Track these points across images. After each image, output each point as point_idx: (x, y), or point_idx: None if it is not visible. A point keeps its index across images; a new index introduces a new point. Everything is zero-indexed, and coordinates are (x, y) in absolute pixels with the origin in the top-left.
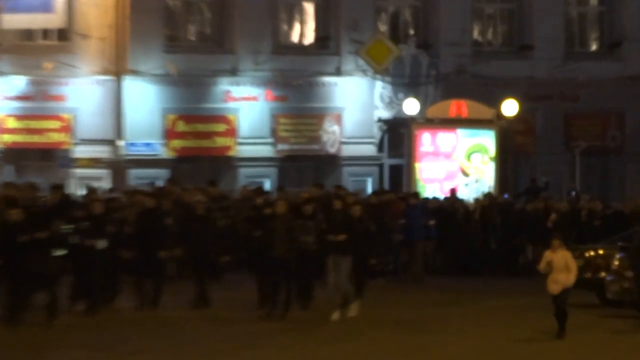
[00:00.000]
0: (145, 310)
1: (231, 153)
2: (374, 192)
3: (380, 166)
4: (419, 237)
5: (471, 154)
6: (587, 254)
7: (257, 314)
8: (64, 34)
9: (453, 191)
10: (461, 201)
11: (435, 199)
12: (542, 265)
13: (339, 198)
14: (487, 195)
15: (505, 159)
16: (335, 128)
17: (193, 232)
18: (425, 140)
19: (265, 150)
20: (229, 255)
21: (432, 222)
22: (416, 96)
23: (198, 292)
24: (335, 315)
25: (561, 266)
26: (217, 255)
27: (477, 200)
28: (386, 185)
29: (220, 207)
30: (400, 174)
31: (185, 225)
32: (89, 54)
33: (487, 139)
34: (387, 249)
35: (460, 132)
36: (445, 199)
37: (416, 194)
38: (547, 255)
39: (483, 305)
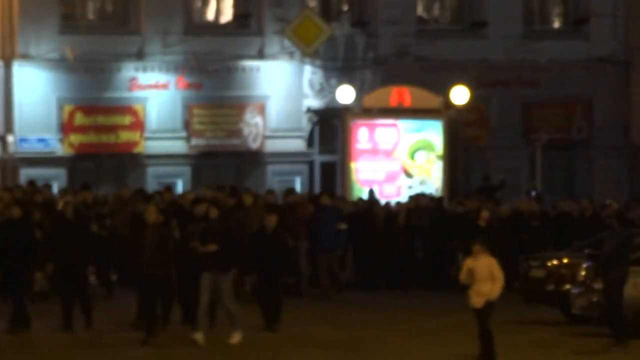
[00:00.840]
0: (15, 333)
1: (138, 149)
2: (287, 191)
3: (310, 164)
4: (329, 245)
5: (415, 151)
6: (549, 263)
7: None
8: None
9: (371, 192)
10: (387, 204)
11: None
12: (462, 275)
13: (215, 203)
14: (413, 197)
15: (455, 155)
16: (258, 120)
17: (63, 242)
18: (362, 136)
19: (177, 146)
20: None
21: (342, 227)
22: (351, 82)
23: (63, 311)
24: (199, 336)
25: (484, 275)
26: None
27: (398, 203)
28: (316, 186)
29: (96, 215)
30: (333, 172)
31: (56, 236)
32: None
33: (434, 134)
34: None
35: (403, 126)
36: (361, 200)
37: (329, 194)
38: (468, 262)
39: (404, 326)
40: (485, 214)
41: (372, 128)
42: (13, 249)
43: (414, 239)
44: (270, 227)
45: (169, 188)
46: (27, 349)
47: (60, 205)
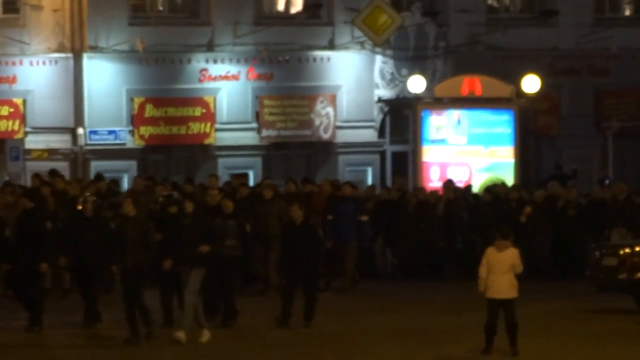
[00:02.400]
0: (31, 331)
1: (209, 141)
2: (302, 181)
3: (382, 153)
4: (350, 237)
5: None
6: (621, 252)
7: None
8: (11, 5)
9: (400, 182)
10: (421, 190)
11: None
12: (482, 269)
13: (190, 198)
14: (451, 188)
15: (526, 144)
16: (329, 110)
17: (79, 237)
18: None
19: (248, 137)
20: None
21: (364, 218)
22: (422, 72)
23: (86, 308)
24: (180, 335)
25: (507, 267)
26: (108, 263)
27: (432, 193)
28: (388, 176)
29: (110, 204)
30: (404, 162)
31: (71, 229)
32: (42, 28)
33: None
34: None
35: (475, 165)
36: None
37: (349, 183)
38: (489, 253)
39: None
40: (527, 209)
41: (443, 167)
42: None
43: (453, 229)
44: (298, 219)
45: (190, 179)
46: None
47: (80, 202)
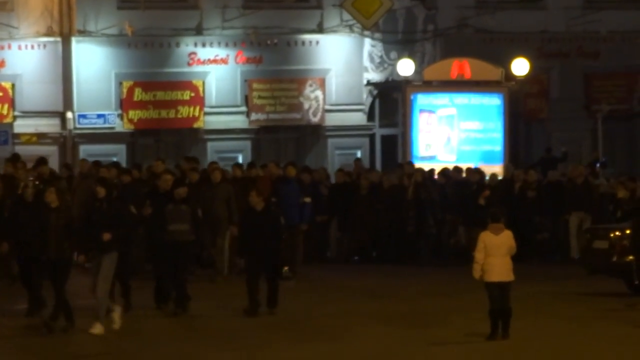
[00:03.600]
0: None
1: (198, 124)
2: (243, 165)
3: (371, 137)
4: (294, 221)
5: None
6: (612, 235)
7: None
8: None
9: (358, 161)
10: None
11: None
12: (478, 250)
13: (102, 182)
14: (420, 171)
15: (516, 127)
16: (318, 94)
17: (20, 222)
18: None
19: (238, 121)
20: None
21: (307, 200)
22: (411, 55)
23: (30, 296)
24: (98, 329)
25: (505, 250)
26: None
27: (388, 175)
28: (378, 159)
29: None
30: (394, 145)
31: (14, 214)
32: (30, 12)
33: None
34: None
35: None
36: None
37: (292, 164)
38: (485, 237)
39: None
40: (486, 193)
41: None
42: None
43: (424, 212)
44: (257, 205)
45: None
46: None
47: (21, 187)
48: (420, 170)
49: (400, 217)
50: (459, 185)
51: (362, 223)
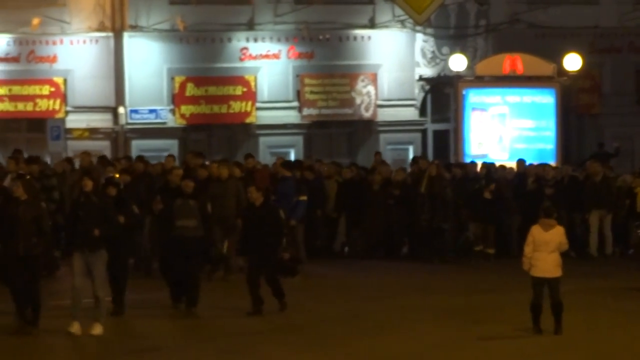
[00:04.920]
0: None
1: (250, 120)
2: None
3: (423, 132)
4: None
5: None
6: None
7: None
8: None
9: (378, 155)
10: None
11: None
12: (527, 248)
13: (89, 175)
14: (434, 163)
15: (568, 122)
16: (370, 89)
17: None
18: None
19: (289, 116)
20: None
21: (302, 198)
22: (463, 50)
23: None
24: (75, 328)
25: (555, 245)
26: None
27: (400, 168)
28: (430, 154)
29: (42, 188)
30: (446, 141)
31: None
32: (83, 7)
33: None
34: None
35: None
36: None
37: (287, 162)
38: (535, 232)
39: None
40: (492, 186)
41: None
42: None
43: (435, 207)
44: (257, 200)
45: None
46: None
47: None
48: (434, 163)
49: (413, 212)
50: (468, 180)
51: (374, 219)
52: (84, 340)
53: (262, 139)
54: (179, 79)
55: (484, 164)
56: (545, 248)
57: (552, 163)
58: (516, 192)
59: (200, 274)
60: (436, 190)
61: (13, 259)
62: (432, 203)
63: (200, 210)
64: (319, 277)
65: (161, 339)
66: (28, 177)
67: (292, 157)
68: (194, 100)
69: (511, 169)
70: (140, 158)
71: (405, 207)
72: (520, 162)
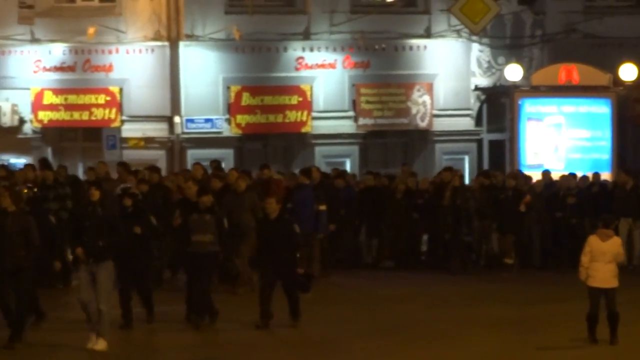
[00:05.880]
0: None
1: (305, 129)
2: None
3: (479, 142)
4: (308, 229)
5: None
6: None
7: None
8: None
9: (406, 166)
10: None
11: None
12: (584, 257)
13: (96, 185)
14: (458, 174)
15: (624, 132)
16: (426, 98)
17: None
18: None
19: (345, 126)
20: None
21: (322, 208)
22: (519, 60)
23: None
24: (92, 344)
25: (612, 256)
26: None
27: (425, 178)
28: (485, 164)
29: (56, 196)
30: (502, 151)
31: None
32: (138, 16)
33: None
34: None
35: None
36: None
37: (307, 171)
38: (593, 242)
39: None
40: (527, 198)
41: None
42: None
43: (459, 218)
44: (272, 213)
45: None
46: None
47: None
48: (458, 174)
49: (436, 223)
50: (494, 190)
51: (396, 228)
52: (86, 356)
53: (317, 149)
54: (234, 89)
55: (544, 172)
56: (602, 258)
57: (608, 173)
58: (547, 203)
59: (209, 288)
60: (459, 202)
61: (0, 273)
62: (455, 215)
63: (216, 225)
64: (349, 289)
65: (170, 353)
66: (24, 188)
67: (348, 167)
68: (249, 109)
69: (539, 181)
70: (155, 169)
71: (428, 217)
72: (546, 173)
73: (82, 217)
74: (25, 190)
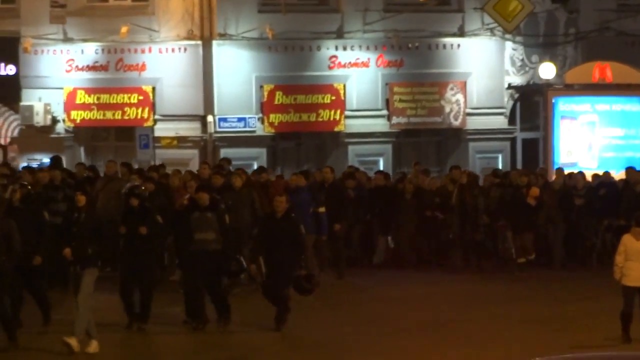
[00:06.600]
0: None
1: (339, 128)
2: (257, 169)
3: (512, 140)
4: (306, 229)
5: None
6: None
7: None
8: None
9: (417, 165)
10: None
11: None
12: (619, 257)
13: (82, 190)
14: (466, 172)
15: None
16: (459, 97)
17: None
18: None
19: (378, 124)
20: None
21: (321, 210)
22: (553, 59)
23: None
24: (73, 342)
25: None
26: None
27: (432, 179)
28: (518, 163)
29: (64, 197)
30: (535, 149)
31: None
32: (171, 15)
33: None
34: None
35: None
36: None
37: (305, 172)
38: (627, 240)
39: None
40: (534, 191)
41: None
42: None
43: (465, 217)
44: (280, 211)
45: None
46: None
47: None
48: (467, 173)
49: (444, 222)
50: (509, 188)
51: (405, 227)
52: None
53: (351, 147)
54: (267, 87)
55: (557, 170)
56: (637, 257)
57: None
58: (561, 202)
59: (220, 286)
60: (467, 200)
61: None
62: (463, 213)
63: (218, 223)
64: (364, 291)
65: (169, 356)
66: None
67: (381, 165)
68: (282, 108)
69: (556, 178)
70: (154, 168)
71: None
72: (559, 170)
73: (70, 223)
74: (18, 189)
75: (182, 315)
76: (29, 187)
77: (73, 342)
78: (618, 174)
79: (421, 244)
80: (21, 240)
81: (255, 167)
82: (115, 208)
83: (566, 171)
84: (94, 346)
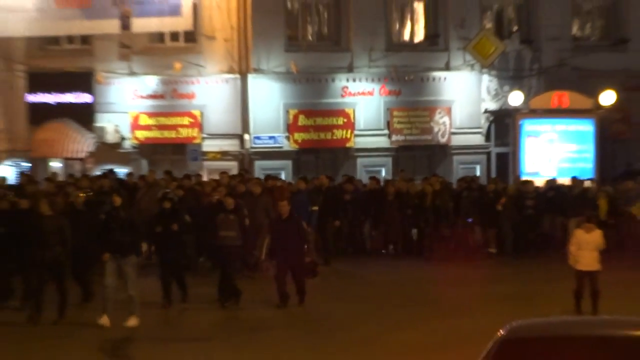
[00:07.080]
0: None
1: (349, 144)
2: (265, 177)
3: (488, 154)
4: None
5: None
6: None
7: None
8: (191, 36)
9: (403, 172)
10: (399, 182)
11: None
12: (572, 244)
13: (117, 192)
14: (438, 180)
15: (604, 146)
16: (446, 119)
17: (73, 228)
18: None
19: (381, 141)
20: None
21: (314, 209)
22: (520, 88)
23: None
24: (104, 320)
25: (595, 245)
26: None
27: (411, 184)
28: (493, 172)
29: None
30: (506, 161)
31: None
32: (215, 54)
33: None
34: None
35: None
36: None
37: (304, 178)
38: (578, 234)
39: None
40: (503, 200)
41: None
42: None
43: (439, 217)
44: (285, 213)
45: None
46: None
47: (72, 196)
48: (440, 180)
49: (420, 219)
50: (476, 190)
51: (389, 223)
52: (116, 332)
53: (359, 160)
54: (292, 112)
55: (515, 179)
56: (587, 247)
57: (591, 179)
58: (516, 203)
59: (234, 274)
60: (438, 203)
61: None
62: (435, 213)
63: (239, 223)
64: (354, 274)
65: (196, 330)
66: (80, 192)
67: (383, 174)
68: (304, 128)
69: (511, 186)
70: (187, 176)
71: (419, 214)
72: (517, 178)
73: (109, 220)
74: (82, 194)
75: (213, 294)
76: (90, 192)
77: (104, 320)
78: (568, 180)
79: (404, 237)
80: (82, 236)
81: (283, 176)
82: (156, 209)
83: (522, 178)
84: (133, 321)
